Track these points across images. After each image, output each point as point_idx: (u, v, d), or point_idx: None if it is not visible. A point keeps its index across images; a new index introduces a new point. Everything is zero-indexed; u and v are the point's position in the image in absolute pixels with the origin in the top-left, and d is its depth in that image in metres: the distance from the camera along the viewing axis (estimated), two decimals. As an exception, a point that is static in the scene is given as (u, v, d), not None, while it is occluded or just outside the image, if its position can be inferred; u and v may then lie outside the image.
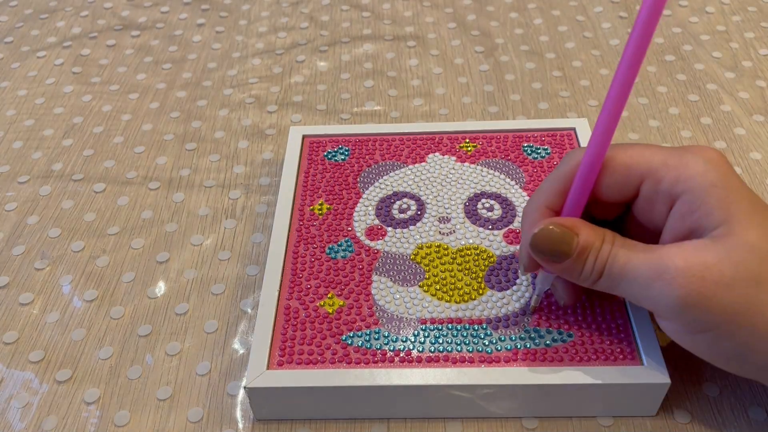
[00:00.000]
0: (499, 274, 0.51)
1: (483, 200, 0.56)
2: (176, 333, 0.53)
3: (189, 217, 0.62)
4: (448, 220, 0.55)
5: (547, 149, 0.60)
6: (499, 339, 0.47)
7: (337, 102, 0.74)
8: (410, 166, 0.60)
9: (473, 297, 0.50)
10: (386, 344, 0.47)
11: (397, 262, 0.52)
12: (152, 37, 0.84)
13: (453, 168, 0.59)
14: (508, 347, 0.47)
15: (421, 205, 0.56)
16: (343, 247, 0.54)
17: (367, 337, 0.48)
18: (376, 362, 0.46)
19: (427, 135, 0.62)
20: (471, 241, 0.53)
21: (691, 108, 0.70)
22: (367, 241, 0.54)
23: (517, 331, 0.47)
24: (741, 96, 0.71)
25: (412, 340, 0.47)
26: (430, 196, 0.57)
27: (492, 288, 0.50)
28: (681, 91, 0.73)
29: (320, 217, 0.56)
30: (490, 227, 0.54)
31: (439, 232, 0.54)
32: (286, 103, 0.74)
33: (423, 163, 0.60)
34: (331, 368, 0.46)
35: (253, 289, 0.56)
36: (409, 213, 0.56)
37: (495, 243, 0.53)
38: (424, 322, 0.48)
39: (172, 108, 0.74)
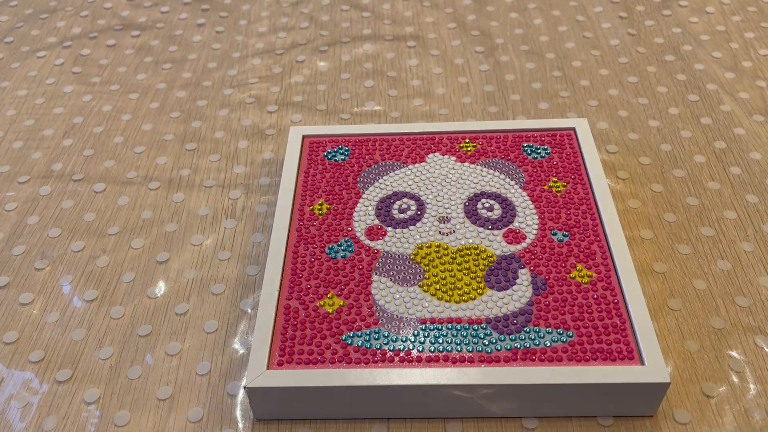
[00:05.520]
0: (499, 274, 0.51)
1: (483, 200, 0.56)
2: (176, 333, 0.53)
3: (189, 217, 0.62)
4: (448, 220, 0.55)
5: (547, 149, 0.60)
6: (499, 339, 0.47)
7: (337, 102, 0.74)
8: (410, 166, 0.60)
9: (473, 297, 0.50)
10: (386, 344, 0.47)
11: (397, 262, 0.52)
12: (152, 37, 0.84)
13: (453, 168, 0.59)
14: (508, 347, 0.47)
15: (421, 205, 0.56)
16: (343, 247, 0.53)
17: (367, 337, 0.48)
18: (376, 362, 0.46)
19: (427, 135, 0.62)
20: (471, 241, 0.53)
21: (691, 108, 0.70)
22: (367, 241, 0.54)
23: (517, 330, 0.47)
24: (741, 96, 0.71)
25: (412, 340, 0.47)
26: (430, 196, 0.57)
27: (492, 288, 0.50)
28: (681, 91, 0.72)
29: (320, 217, 0.56)
30: (490, 227, 0.54)
31: (439, 232, 0.54)
32: (286, 103, 0.74)
33: (423, 163, 0.60)
34: (331, 368, 0.46)
35: (253, 289, 0.56)
36: (409, 213, 0.56)
37: (495, 243, 0.53)
38: (424, 322, 0.48)
39: (172, 108, 0.74)
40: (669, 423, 0.46)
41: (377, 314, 0.49)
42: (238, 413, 0.48)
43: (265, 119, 0.72)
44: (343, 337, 0.48)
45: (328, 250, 0.53)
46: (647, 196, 0.61)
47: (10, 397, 0.50)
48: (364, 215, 0.56)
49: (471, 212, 0.55)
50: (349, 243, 0.54)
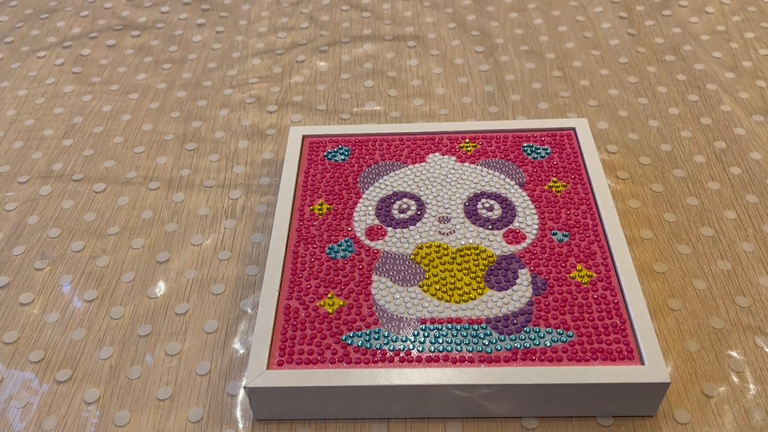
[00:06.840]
0: (499, 274, 0.51)
1: (483, 200, 0.56)
2: (176, 333, 0.53)
3: (189, 217, 0.62)
4: (448, 220, 0.55)
5: (547, 149, 0.60)
6: (499, 339, 0.47)
7: (337, 102, 0.74)
8: (410, 166, 0.60)
9: (473, 297, 0.50)
10: (386, 344, 0.47)
11: (397, 262, 0.52)
12: (152, 37, 0.84)
13: (453, 168, 0.59)
14: (508, 347, 0.47)
15: (421, 205, 0.56)
16: (343, 247, 0.53)
17: (367, 337, 0.48)
18: (376, 362, 0.46)
19: (427, 135, 0.62)
20: (471, 241, 0.53)
21: (691, 108, 0.70)
22: (367, 241, 0.54)
23: (517, 330, 0.47)
24: (741, 96, 0.71)
25: (412, 340, 0.47)
26: (430, 196, 0.57)
27: (492, 288, 0.50)
28: (681, 91, 0.72)
29: (320, 217, 0.56)
30: (490, 227, 0.54)
31: (439, 232, 0.54)
32: (286, 103, 0.74)
33: (423, 163, 0.60)
34: (331, 368, 0.46)
35: (253, 289, 0.56)
36: (409, 213, 0.56)
37: (495, 243, 0.53)
38: (424, 322, 0.48)
39: (172, 108, 0.74)
40: (669, 423, 0.46)
41: (377, 314, 0.49)
42: (238, 413, 0.48)
43: (265, 119, 0.72)
44: (343, 337, 0.48)
45: (328, 250, 0.53)
46: (647, 196, 0.61)
47: (10, 397, 0.50)
48: (364, 215, 0.56)
49: (471, 212, 0.55)
50: (349, 243, 0.54)
